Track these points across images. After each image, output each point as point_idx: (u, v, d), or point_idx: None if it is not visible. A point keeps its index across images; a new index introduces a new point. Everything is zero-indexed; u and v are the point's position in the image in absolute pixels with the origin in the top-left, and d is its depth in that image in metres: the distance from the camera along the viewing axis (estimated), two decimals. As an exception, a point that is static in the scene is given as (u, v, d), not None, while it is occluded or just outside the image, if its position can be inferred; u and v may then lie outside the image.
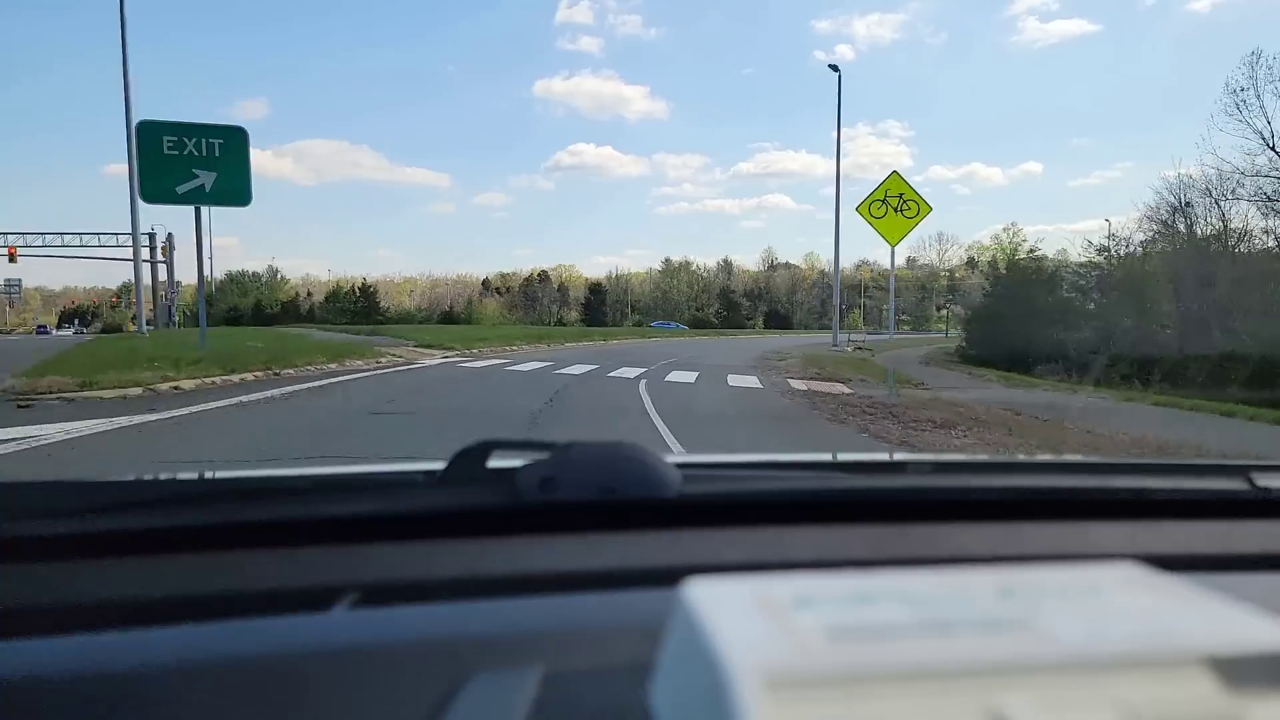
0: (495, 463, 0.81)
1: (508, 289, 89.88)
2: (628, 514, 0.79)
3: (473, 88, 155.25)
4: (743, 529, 0.80)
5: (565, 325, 69.66)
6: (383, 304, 73.68)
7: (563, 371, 14.09)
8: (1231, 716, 0.27)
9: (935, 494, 0.91)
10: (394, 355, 17.62)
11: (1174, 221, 25.25)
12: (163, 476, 0.88)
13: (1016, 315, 23.83)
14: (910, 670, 0.28)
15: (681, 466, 0.82)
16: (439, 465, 0.82)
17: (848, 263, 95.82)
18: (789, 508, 0.84)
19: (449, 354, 19.31)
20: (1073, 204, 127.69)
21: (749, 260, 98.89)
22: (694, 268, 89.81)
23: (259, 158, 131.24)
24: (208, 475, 0.88)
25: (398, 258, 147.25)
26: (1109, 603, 0.34)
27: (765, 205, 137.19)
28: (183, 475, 0.89)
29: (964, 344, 27.73)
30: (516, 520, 0.77)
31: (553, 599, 0.62)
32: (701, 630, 0.31)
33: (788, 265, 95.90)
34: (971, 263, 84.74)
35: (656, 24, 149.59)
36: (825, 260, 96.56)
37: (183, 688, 0.49)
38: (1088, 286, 26.10)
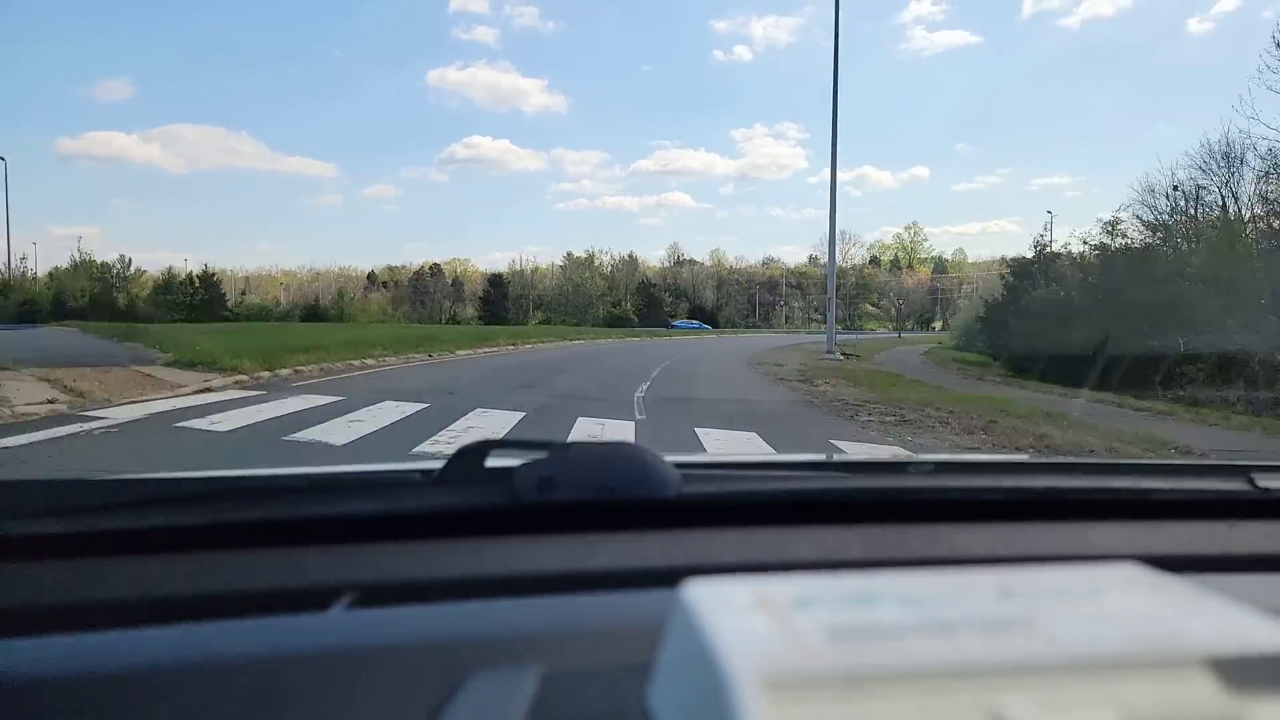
0: (493, 462, 0.80)
1: (395, 283, 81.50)
2: (626, 514, 0.79)
3: (362, 75, 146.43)
4: (742, 529, 0.80)
5: (460, 323, 61.43)
6: (252, 298, 65.75)
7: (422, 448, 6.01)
8: (1232, 717, 0.27)
9: (936, 494, 0.91)
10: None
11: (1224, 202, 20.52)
12: (161, 476, 0.88)
13: (1111, 312, 18.05)
14: (910, 670, 0.28)
15: (681, 466, 0.82)
16: (437, 465, 0.81)
17: (754, 260, 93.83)
18: (789, 508, 0.84)
19: (209, 383, 10.06)
20: (958, 207, 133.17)
21: (652, 257, 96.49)
22: (597, 262, 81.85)
23: (123, 142, 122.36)
24: (205, 475, 0.88)
25: (280, 251, 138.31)
26: (1109, 603, 0.34)
27: (665, 203, 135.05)
28: (180, 475, 0.89)
29: (989, 350, 24.67)
30: (514, 520, 0.77)
31: (551, 599, 0.62)
32: (701, 631, 0.31)
33: (693, 262, 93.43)
34: (875, 261, 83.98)
35: (554, 17, 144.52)
36: (733, 257, 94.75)
37: (181, 687, 0.49)
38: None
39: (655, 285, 79.05)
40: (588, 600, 0.63)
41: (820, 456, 1.15)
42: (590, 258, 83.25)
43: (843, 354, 22.69)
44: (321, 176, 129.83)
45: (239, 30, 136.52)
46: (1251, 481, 0.92)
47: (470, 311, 74.39)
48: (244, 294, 71.88)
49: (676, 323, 68.43)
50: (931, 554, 0.76)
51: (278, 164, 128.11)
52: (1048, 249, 27.92)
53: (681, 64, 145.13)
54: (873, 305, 79.30)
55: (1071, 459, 1.32)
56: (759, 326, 78.40)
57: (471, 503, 0.78)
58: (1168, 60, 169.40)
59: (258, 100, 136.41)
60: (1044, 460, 1.27)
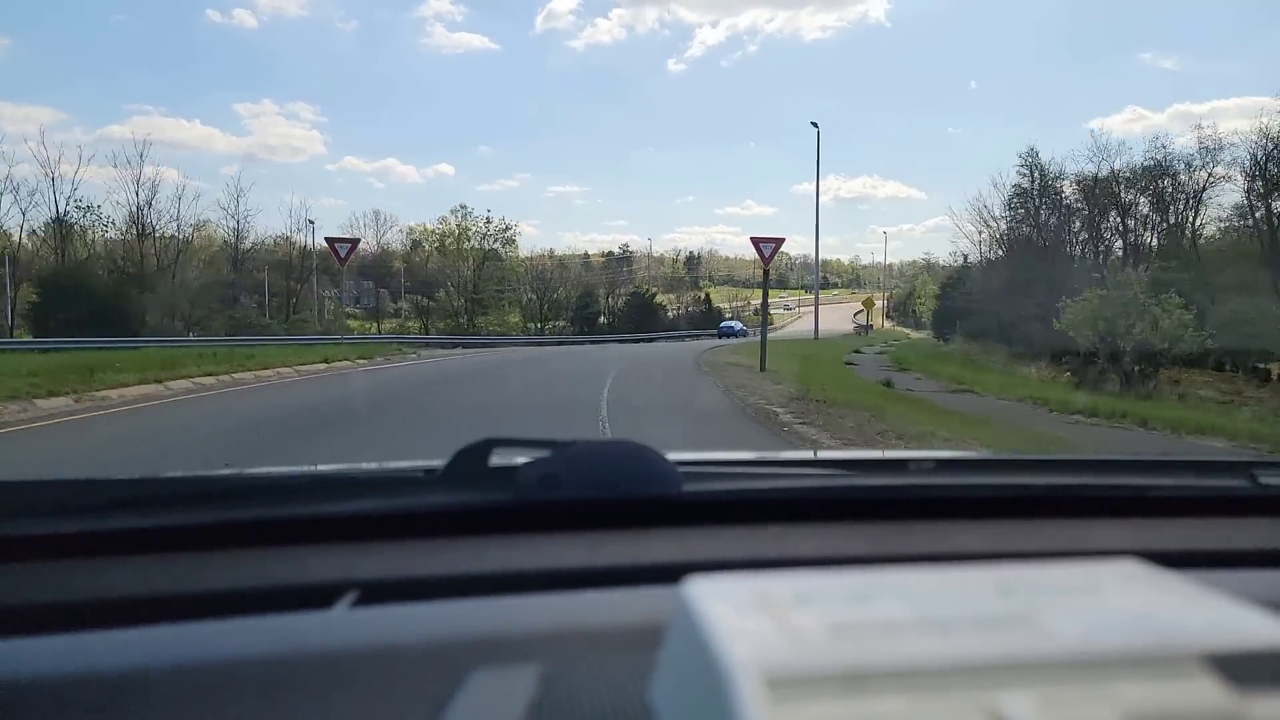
0: (496, 460, 0.80)
1: None
2: (629, 512, 0.79)
3: None
4: (744, 527, 0.80)
5: None
6: None
7: None
8: (1232, 713, 0.27)
9: (937, 492, 0.91)
10: None
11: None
12: (163, 475, 0.89)
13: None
14: (910, 668, 0.28)
15: (683, 465, 0.82)
16: (440, 463, 0.81)
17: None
18: (790, 506, 0.84)
19: None
20: (481, 207, 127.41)
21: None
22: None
23: None
24: (208, 474, 0.89)
25: None
26: (1109, 600, 0.34)
27: (151, 179, 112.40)
28: (183, 474, 0.89)
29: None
30: (518, 518, 0.77)
31: (554, 597, 0.62)
32: (701, 628, 0.31)
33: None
34: (416, 245, 59.24)
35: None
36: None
37: (186, 685, 0.49)
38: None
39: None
40: (590, 598, 0.62)
41: (822, 454, 1.11)
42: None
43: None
44: None
45: None
46: (1253, 478, 0.92)
47: None
48: None
49: (721, 324, 57.64)
50: (932, 551, 0.76)
51: None
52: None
53: (164, 19, 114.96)
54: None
55: (1072, 457, 1.35)
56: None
57: (474, 501, 0.78)
58: (652, 92, 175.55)
59: None
60: (1045, 458, 1.27)
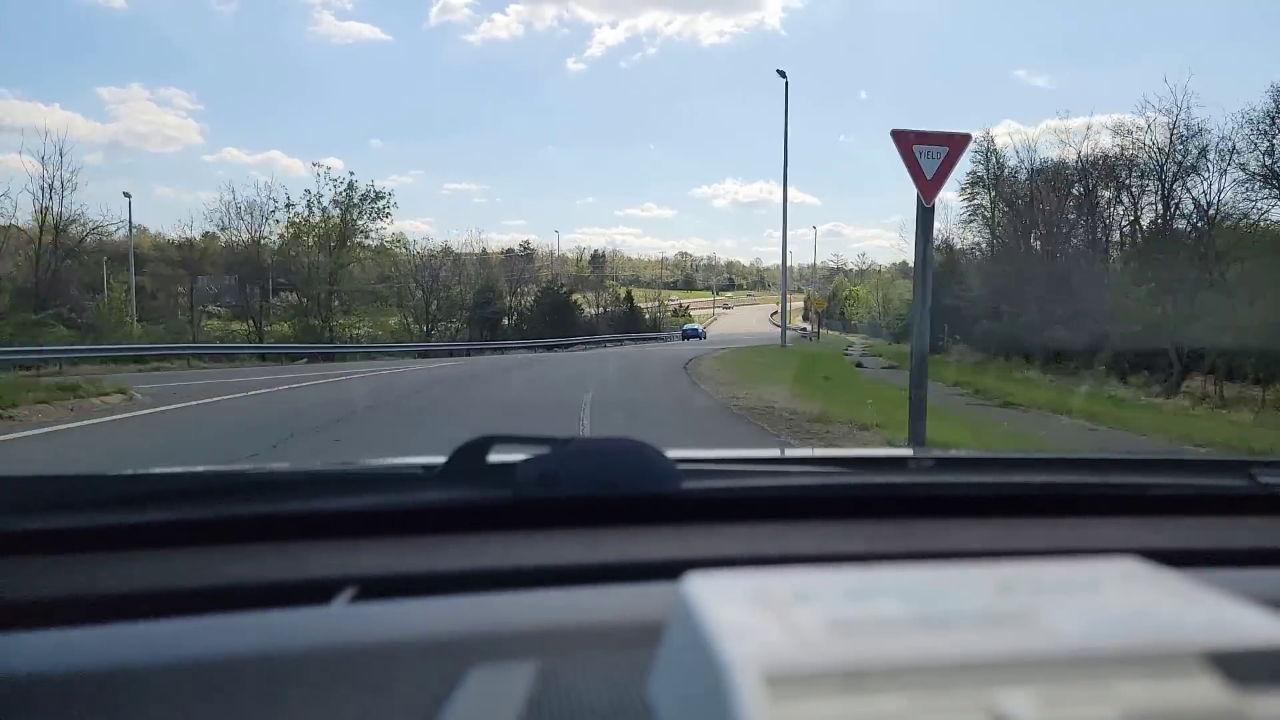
0: (495, 457, 0.80)
1: None
2: (628, 509, 0.79)
3: None
4: (744, 525, 0.80)
5: None
6: None
7: None
8: (1231, 711, 0.27)
9: (937, 490, 0.91)
10: None
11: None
12: (163, 471, 0.88)
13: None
14: (908, 665, 0.28)
15: (682, 462, 0.82)
16: (439, 460, 0.81)
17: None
18: (790, 504, 0.84)
19: None
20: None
21: None
22: None
23: None
24: (208, 470, 0.88)
25: None
26: (1108, 598, 0.34)
27: None
28: (182, 470, 0.88)
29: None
30: (517, 515, 0.77)
31: (553, 593, 0.62)
32: (700, 625, 0.31)
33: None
34: (298, 237, 46.21)
35: None
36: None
37: (183, 680, 0.49)
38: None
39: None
40: (589, 594, 0.62)
41: (821, 452, 1.12)
42: None
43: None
44: None
45: None
46: (1252, 477, 0.93)
47: None
48: None
49: (685, 328, 56.71)
50: (932, 549, 0.76)
51: None
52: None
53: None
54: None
55: (1072, 455, 1.15)
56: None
57: (473, 497, 0.78)
58: (552, 91, 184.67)
59: None
60: (1044, 456, 1.25)
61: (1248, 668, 0.29)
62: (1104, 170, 24.60)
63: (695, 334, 52.55)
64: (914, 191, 5.30)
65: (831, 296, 73.79)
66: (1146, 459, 1.12)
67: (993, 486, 0.93)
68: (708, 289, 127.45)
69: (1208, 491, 0.95)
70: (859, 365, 21.06)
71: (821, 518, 0.83)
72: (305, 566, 0.69)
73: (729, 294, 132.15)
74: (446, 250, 46.97)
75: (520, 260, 58.84)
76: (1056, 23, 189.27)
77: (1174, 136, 21.17)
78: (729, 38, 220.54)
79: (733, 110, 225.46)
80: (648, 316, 59.03)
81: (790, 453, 1.05)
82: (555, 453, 0.78)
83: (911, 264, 5.53)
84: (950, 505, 0.87)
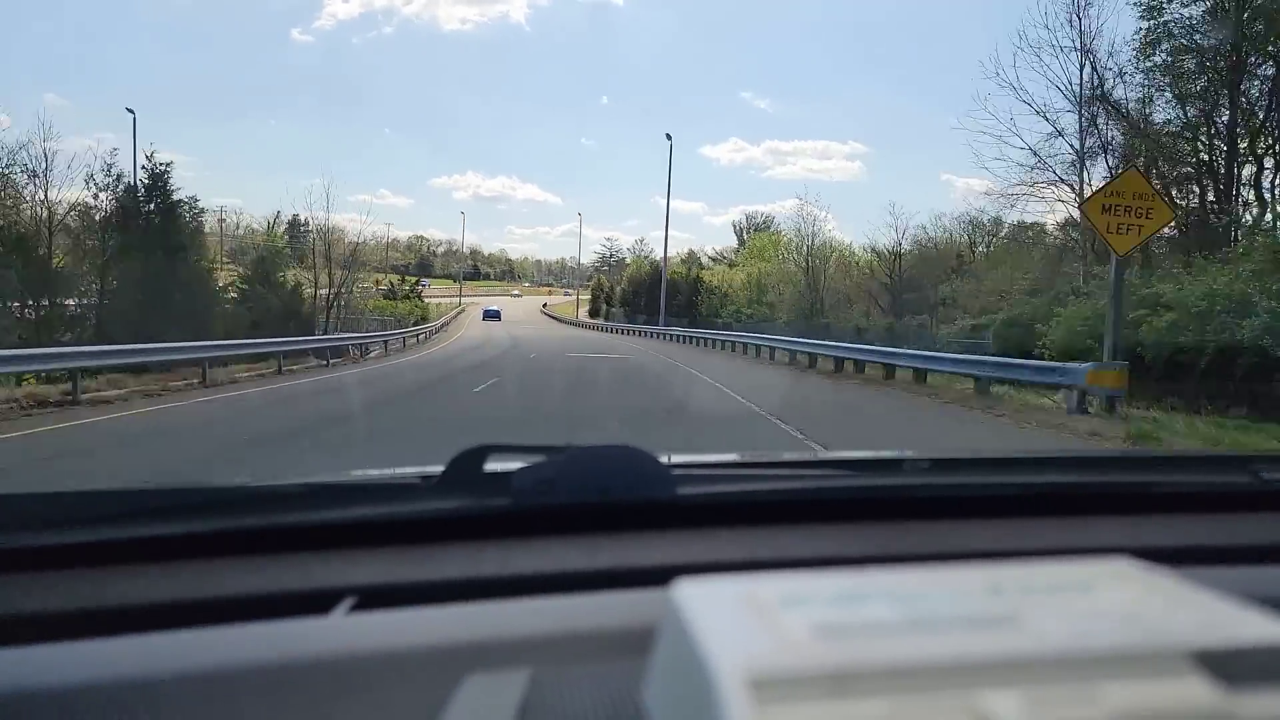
0: (492, 466, 0.80)
1: None
2: (624, 516, 0.80)
3: None
4: (739, 529, 0.80)
5: None
6: None
7: None
8: (1220, 711, 0.27)
9: (933, 491, 0.90)
10: None
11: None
12: (163, 486, 0.92)
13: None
14: (895, 668, 0.28)
15: (678, 467, 0.82)
16: (436, 470, 0.81)
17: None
18: (785, 507, 0.84)
19: None
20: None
21: None
22: None
23: None
24: (206, 485, 0.89)
25: None
26: (1099, 598, 0.34)
27: None
28: (182, 485, 0.91)
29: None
30: (513, 523, 0.78)
31: (550, 600, 0.63)
32: (688, 630, 0.32)
33: None
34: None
35: None
36: None
37: (185, 691, 0.50)
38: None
39: None
40: (586, 601, 0.63)
41: (815, 455, 1.10)
42: None
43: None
44: None
45: None
46: (1255, 474, 0.92)
47: None
48: None
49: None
50: (928, 551, 0.76)
51: None
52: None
53: None
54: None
55: (1072, 454, 1.28)
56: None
57: (471, 506, 0.78)
58: (273, 61, 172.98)
59: None
60: (1044, 456, 1.22)
61: (1235, 666, 0.29)
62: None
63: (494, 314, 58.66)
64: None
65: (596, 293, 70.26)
66: (1147, 457, 1.11)
67: (992, 487, 0.92)
68: (448, 277, 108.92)
69: (1210, 489, 0.94)
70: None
71: (817, 521, 0.83)
72: (305, 577, 0.69)
73: (492, 283, 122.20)
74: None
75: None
76: (774, 55, 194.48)
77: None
78: (471, 25, 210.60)
79: (474, 102, 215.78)
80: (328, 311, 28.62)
81: (786, 456, 1.07)
82: (551, 460, 0.79)
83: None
84: (948, 506, 0.87)
